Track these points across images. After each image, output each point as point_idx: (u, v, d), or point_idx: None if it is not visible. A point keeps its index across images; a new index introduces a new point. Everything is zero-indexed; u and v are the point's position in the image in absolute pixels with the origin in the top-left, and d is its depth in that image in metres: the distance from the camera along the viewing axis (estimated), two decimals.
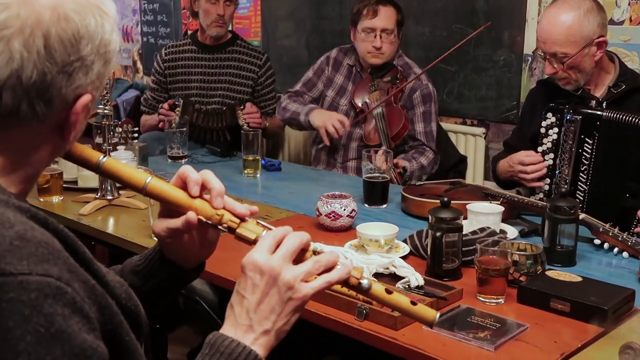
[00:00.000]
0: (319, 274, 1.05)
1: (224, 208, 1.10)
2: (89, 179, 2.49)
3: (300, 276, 1.03)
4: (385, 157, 2.44)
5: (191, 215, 1.09)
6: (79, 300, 0.84)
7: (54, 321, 0.80)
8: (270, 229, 1.10)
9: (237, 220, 1.10)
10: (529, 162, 2.41)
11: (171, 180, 1.14)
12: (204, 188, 1.12)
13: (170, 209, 1.13)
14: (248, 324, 1.02)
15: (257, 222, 1.11)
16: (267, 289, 1.02)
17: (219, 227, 1.11)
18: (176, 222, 1.12)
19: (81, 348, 0.82)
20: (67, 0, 0.91)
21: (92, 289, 0.88)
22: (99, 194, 2.37)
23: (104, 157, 1.10)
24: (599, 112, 2.30)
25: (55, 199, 2.39)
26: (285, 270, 1.02)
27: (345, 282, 1.07)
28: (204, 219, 1.10)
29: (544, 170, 2.40)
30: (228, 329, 1.03)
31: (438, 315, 1.11)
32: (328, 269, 1.05)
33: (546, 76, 2.50)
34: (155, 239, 2.02)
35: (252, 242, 1.08)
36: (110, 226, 2.23)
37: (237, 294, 1.04)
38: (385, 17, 3.02)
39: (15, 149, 0.93)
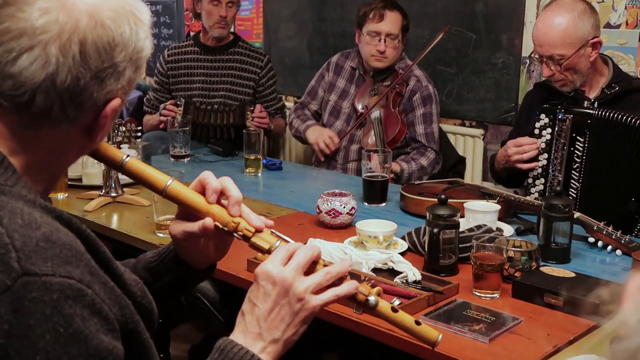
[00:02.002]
0: (329, 286, 1.08)
1: (240, 216, 1.14)
2: (93, 176, 2.54)
3: (311, 288, 1.06)
4: (382, 158, 2.47)
5: (208, 221, 1.12)
6: (98, 302, 0.87)
7: (72, 322, 0.83)
8: (285, 239, 1.13)
9: (252, 230, 1.13)
10: (524, 143, 2.45)
11: (191, 184, 1.17)
12: (222, 195, 1.15)
13: (187, 211, 1.16)
14: (258, 332, 1.05)
15: (272, 232, 1.14)
16: (278, 299, 1.05)
17: (234, 234, 1.14)
18: (193, 227, 1.15)
19: (97, 349, 0.85)
20: (104, 6, 0.93)
21: (111, 290, 0.91)
22: (103, 191, 2.41)
23: (127, 156, 1.13)
24: (589, 111, 2.35)
25: (60, 195, 2.44)
26: (297, 282, 1.05)
27: (352, 298, 1.10)
28: (220, 225, 1.13)
29: (537, 145, 2.43)
30: (238, 336, 1.06)
31: (440, 336, 1.14)
32: (338, 280, 1.09)
33: (544, 78, 2.54)
34: (159, 235, 2.07)
35: (266, 252, 1.12)
36: (114, 222, 2.27)
37: (248, 302, 1.07)
38: (391, 22, 3.06)
39: (44, 149, 0.96)
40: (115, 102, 0.97)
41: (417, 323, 1.14)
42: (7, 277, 0.81)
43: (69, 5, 0.91)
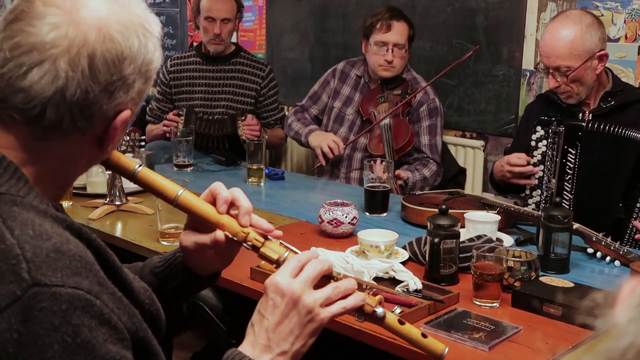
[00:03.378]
0: (337, 300, 1.09)
1: (250, 226, 1.16)
2: (98, 185, 2.56)
3: (320, 301, 1.07)
4: (385, 167, 2.50)
5: (219, 234, 1.15)
6: (107, 312, 0.89)
7: (80, 332, 0.85)
8: (293, 250, 1.15)
9: (262, 240, 1.15)
10: (514, 164, 2.49)
11: (202, 194, 1.19)
12: (232, 205, 1.17)
13: (196, 221, 1.18)
14: (266, 343, 1.06)
15: (281, 243, 1.16)
16: (287, 311, 1.06)
17: (244, 244, 1.16)
18: (204, 239, 1.17)
19: (104, 358, 0.87)
20: (112, 20, 0.95)
21: (120, 300, 0.93)
22: (107, 199, 2.44)
23: (139, 166, 1.14)
24: (580, 123, 2.38)
25: (65, 203, 2.46)
26: (306, 295, 1.07)
27: (360, 310, 1.12)
28: (230, 235, 1.15)
29: (530, 168, 2.47)
30: (246, 347, 1.07)
31: (447, 349, 1.16)
32: (345, 295, 1.10)
33: (544, 91, 2.57)
34: (163, 243, 2.09)
35: (274, 262, 1.13)
36: (119, 230, 2.30)
37: (257, 314, 1.09)
38: (398, 32, 3.09)
39: (55, 159, 0.97)
40: (125, 113, 0.98)
41: (424, 336, 1.16)
42: (18, 288, 0.83)
43: (77, 20, 0.92)
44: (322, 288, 1.09)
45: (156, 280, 1.24)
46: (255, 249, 1.15)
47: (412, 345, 1.18)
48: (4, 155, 0.94)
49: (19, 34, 0.92)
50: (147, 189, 1.18)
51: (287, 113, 3.93)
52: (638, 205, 2.28)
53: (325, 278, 1.12)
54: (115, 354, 0.89)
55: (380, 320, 1.13)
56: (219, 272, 1.30)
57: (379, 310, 1.13)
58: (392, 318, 1.14)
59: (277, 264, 1.14)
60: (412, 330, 1.16)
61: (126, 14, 0.97)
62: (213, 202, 1.17)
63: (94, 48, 0.92)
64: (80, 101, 0.93)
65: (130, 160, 1.15)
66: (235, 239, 1.15)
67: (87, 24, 0.93)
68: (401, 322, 1.15)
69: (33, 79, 0.91)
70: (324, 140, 3.15)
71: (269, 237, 1.17)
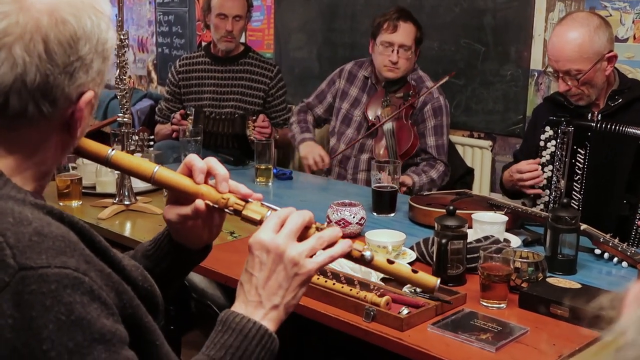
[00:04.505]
0: (323, 249, 1.11)
1: (229, 192, 1.17)
2: (107, 184, 2.58)
3: (305, 252, 1.09)
4: (392, 169, 2.49)
5: (199, 203, 1.16)
6: (96, 288, 0.90)
7: (73, 309, 0.86)
8: (275, 209, 1.16)
9: (243, 203, 1.16)
10: (525, 170, 2.48)
11: (178, 169, 1.20)
12: (209, 175, 1.18)
13: (178, 195, 1.19)
14: (257, 300, 1.08)
15: (262, 204, 1.17)
16: (273, 266, 1.08)
17: (226, 210, 1.17)
18: (186, 210, 1.18)
19: (101, 332, 0.88)
20: (62, 3, 0.95)
21: (108, 276, 0.94)
22: (116, 199, 2.45)
23: (112, 150, 1.16)
24: (589, 124, 2.38)
25: (75, 203, 2.48)
26: (290, 247, 1.08)
27: (348, 255, 1.14)
28: (211, 204, 1.16)
29: (541, 179, 2.47)
30: (239, 306, 1.09)
31: (438, 281, 1.18)
32: (331, 244, 1.12)
33: (552, 92, 2.57)
34: None
35: (258, 223, 1.14)
36: (128, 230, 2.31)
37: (245, 273, 1.11)
38: (405, 33, 3.08)
39: (26, 148, 0.98)
40: (89, 94, 0.99)
41: (414, 271, 1.18)
42: (5, 274, 0.85)
43: (27, 7, 0.93)
44: (306, 240, 1.11)
45: (149, 263, 1.24)
46: (237, 212, 1.16)
47: (405, 282, 1.19)
48: None
49: None
50: (123, 171, 1.20)
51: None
52: None
53: (308, 229, 1.13)
54: (111, 327, 0.90)
55: (369, 263, 1.15)
56: (210, 246, 1.30)
57: (367, 253, 1.15)
58: (380, 259, 1.17)
59: (261, 224, 1.14)
60: (402, 267, 1.19)
61: None
62: (190, 175, 1.18)
63: (47, 32, 0.93)
64: (42, 86, 0.94)
65: (102, 146, 1.16)
66: (216, 206, 1.16)
67: (37, 9, 0.93)
68: (390, 262, 1.17)
69: None
70: (310, 153, 3.18)
71: (249, 200, 1.17)
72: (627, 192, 2.34)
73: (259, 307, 1.08)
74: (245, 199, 1.17)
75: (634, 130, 2.29)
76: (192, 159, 1.18)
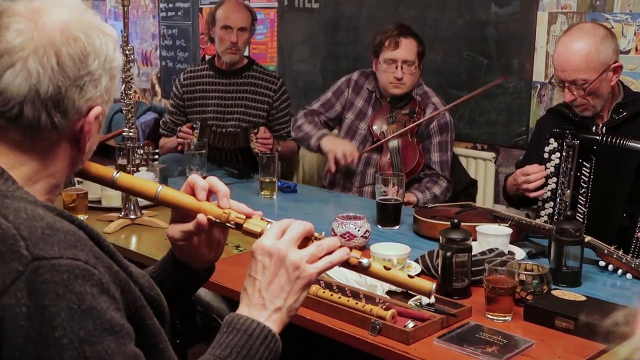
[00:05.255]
0: (322, 257, 1.15)
1: (229, 208, 1.21)
2: (113, 198, 2.59)
3: (305, 257, 1.13)
4: (397, 183, 2.50)
5: (201, 217, 1.20)
6: (105, 282, 0.94)
7: (84, 299, 0.90)
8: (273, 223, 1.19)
9: (243, 217, 1.21)
10: (531, 172, 2.50)
11: (181, 188, 1.25)
12: (210, 193, 1.23)
13: (181, 213, 1.24)
14: (261, 302, 1.12)
15: (262, 218, 1.22)
16: (276, 270, 1.12)
17: (227, 224, 1.21)
18: (188, 226, 1.23)
19: (110, 323, 0.92)
20: (74, 22, 1.03)
21: (116, 274, 0.98)
22: (122, 213, 2.47)
23: (117, 172, 1.22)
24: (595, 137, 2.39)
25: (81, 217, 2.48)
26: (292, 252, 1.13)
27: (346, 263, 1.18)
28: (213, 218, 1.21)
29: (545, 190, 2.48)
30: (243, 309, 1.13)
31: (434, 286, 1.21)
32: (329, 252, 1.16)
33: (555, 103, 2.58)
34: None
35: (259, 235, 1.19)
36: (133, 244, 2.32)
37: (249, 277, 1.15)
38: (407, 48, 3.09)
39: (37, 160, 1.04)
40: (97, 109, 1.06)
41: (410, 277, 1.21)
42: (19, 264, 0.89)
43: (41, 25, 1.01)
44: (307, 247, 1.15)
45: (155, 283, 1.27)
46: (238, 226, 1.21)
47: (402, 287, 1.22)
48: None
49: None
50: (129, 192, 1.25)
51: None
52: None
53: (308, 240, 1.17)
54: (119, 320, 0.94)
55: (366, 269, 1.19)
56: (214, 266, 1.34)
57: (364, 260, 1.19)
58: (377, 266, 1.20)
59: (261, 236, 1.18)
60: (399, 273, 1.22)
61: (84, 18, 1.06)
62: (192, 193, 1.23)
63: (60, 47, 1.01)
64: (54, 96, 1.00)
65: (107, 169, 1.22)
66: (218, 221, 1.21)
67: (51, 27, 1.01)
68: (387, 268, 1.21)
69: (7, 80, 0.98)
70: (338, 146, 3.09)
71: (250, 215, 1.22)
72: (628, 205, 2.35)
73: (262, 309, 1.12)
74: (246, 214, 1.22)
75: (635, 144, 2.31)
76: (194, 178, 1.24)
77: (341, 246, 1.18)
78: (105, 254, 0.99)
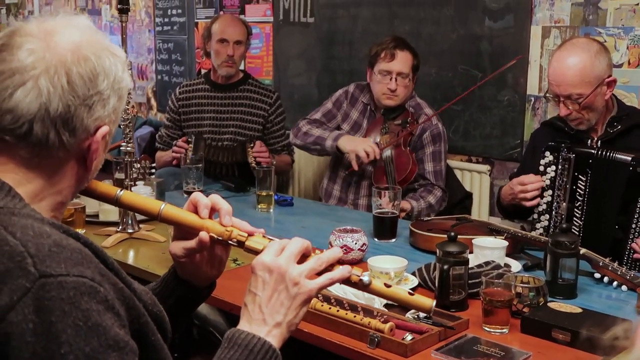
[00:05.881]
0: (323, 271, 1.17)
1: (232, 226, 1.23)
2: (110, 212, 2.60)
3: (305, 272, 1.15)
4: (392, 195, 2.51)
5: (203, 235, 1.22)
6: (110, 299, 0.95)
7: (90, 316, 0.92)
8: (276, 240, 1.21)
9: (245, 235, 1.22)
10: (528, 182, 2.51)
11: (184, 206, 1.26)
12: (213, 210, 1.25)
13: (184, 231, 1.26)
14: (261, 318, 1.13)
15: (264, 235, 1.23)
16: (276, 285, 1.14)
17: (229, 242, 1.23)
18: (191, 243, 1.24)
19: (115, 340, 0.93)
20: (84, 43, 1.06)
21: (120, 290, 0.99)
22: (120, 227, 2.47)
23: (121, 190, 1.23)
24: (591, 151, 2.41)
25: (79, 231, 2.49)
26: (291, 268, 1.14)
27: (347, 280, 1.19)
28: (215, 236, 1.22)
29: (539, 189, 2.49)
30: (243, 324, 1.14)
31: (434, 303, 1.22)
32: (330, 266, 1.18)
33: (549, 117, 2.60)
34: None
35: (260, 253, 1.19)
36: (131, 258, 2.33)
37: (249, 293, 1.16)
38: (402, 61, 3.12)
39: (45, 177, 1.05)
40: (104, 128, 1.08)
41: (411, 294, 1.23)
42: (27, 281, 0.90)
43: (52, 45, 1.03)
44: (306, 262, 1.17)
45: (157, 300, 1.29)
46: (240, 244, 1.22)
47: (402, 304, 1.23)
48: None
49: (1, 64, 1.02)
50: (132, 210, 1.27)
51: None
52: (633, 225, 2.31)
53: (306, 257, 1.18)
54: (124, 336, 0.95)
55: (367, 287, 1.20)
56: (214, 283, 1.36)
57: (365, 278, 1.20)
58: (378, 283, 1.21)
59: None
60: (399, 290, 1.23)
61: (95, 39, 1.08)
62: (195, 211, 1.25)
63: (70, 66, 1.03)
64: (63, 114, 1.02)
65: (111, 187, 1.24)
66: (220, 238, 1.22)
67: (62, 47, 1.03)
68: (387, 286, 1.22)
69: (18, 98, 1.00)
70: (360, 144, 3.05)
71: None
72: (619, 216, 2.37)
73: (262, 324, 1.13)
74: (248, 232, 1.23)
75: (621, 156, 2.33)
76: (197, 195, 1.25)
77: (342, 261, 1.20)
78: (110, 271, 1.00)
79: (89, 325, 0.91)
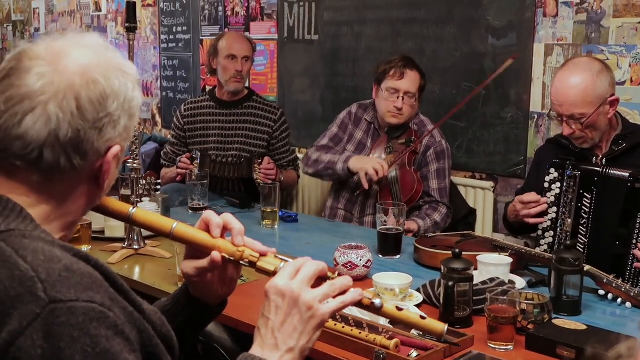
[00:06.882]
0: (335, 296, 1.16)
1: (244, 246, 1.23)
2: (116, 229, 2.62)
3: (318, 297, 1.14)
4: (397, 213, 2.52)
5: (215, 255, 1.22)
6: (120, 324, 0.95)
7: (99, 342, 0.92)
8: (287, 260, 1.21)
9: (257, 255, 1.22)
10: (527, 201, 2.53)
11: (196, 224, 1.26)
12: (225, 229, 1.25)
13: (195, 250, 1.26)
14: (274, 342, 1.13)
15: (276, 256, 1.23)
16: (289, 310, 1.13)
17: (241, 262, 1.23)
18: (203, 262, 1.24)
19: None
20: (93, 65, 1.05)
21: (130, 314, 0.99)
22: (125, 243, 2.49)
23: (133, 208, 1.24)
24: (596, 169, 2.42)
25: (85, 248, 2.50)
26: (305, 293, 1.14)
27: (359, 303, 1.19)
28: (227, 256, 1.22)
29: (544, 207, 2.51)
30: (256, 349, 1.14)
31: (446, 327, 1.22)
32: (343, 292, 1.17)
33: (553, 134, 2.62)
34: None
35: (272, 274, 1.20)
36: (137, 274, 2.34)
37: (262, 317, 1.15)
38: (411, 80, 3.14)
39: (56, 198, 1.05)
40: (116, 148, 1.08)
41: (423, 318, 1.23)
42: (36, 306, 0.90)
43: (61, 69, 1.02)
44: (319, 287, 1.16)
45: (167, 317, 1.28)
46: (252, 264, 1.22)
47: (414, 328, 1.22)
48: (9, 198, 1.02)
49: (10, 89, 1.01)
50: (144, 227, 1.27)
51: (299, 155, 3.96)
52: (634, 241, 2.32)
53: (322, 280, 1.18)
54: None
55: (379, 310, 1.20)
56: (226, 301, 1.36)
57: (377, 301, 1.19)
58: (390, 306, 1.21)
59: (275, 275, 1.19)
60: (411, 314, 1.23)
61: (104, 59, 1.07)
62: (207, 230, 1.25)
63: (79, 90, 1.02)
64: (73, 140, 1.02)
65: (123, 204, 1.24)
66: (232, 258, 1.22)
67: (71, 70, 1.02)
68: (399, 309, 1.21)
69: (28, 125, 0.99)
70: (368, 163, 3.05)
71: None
72: (620, 232, 2.37)
73: (275, 349, 1.12)
74: (260, 252, 1.23)
75: (619, 173, 2.35)
76: (209, 214, 1.25)
77: (354, 286, 1.19)
78: (120, 294, 1.00)
79: (97, 352, 0.91)
